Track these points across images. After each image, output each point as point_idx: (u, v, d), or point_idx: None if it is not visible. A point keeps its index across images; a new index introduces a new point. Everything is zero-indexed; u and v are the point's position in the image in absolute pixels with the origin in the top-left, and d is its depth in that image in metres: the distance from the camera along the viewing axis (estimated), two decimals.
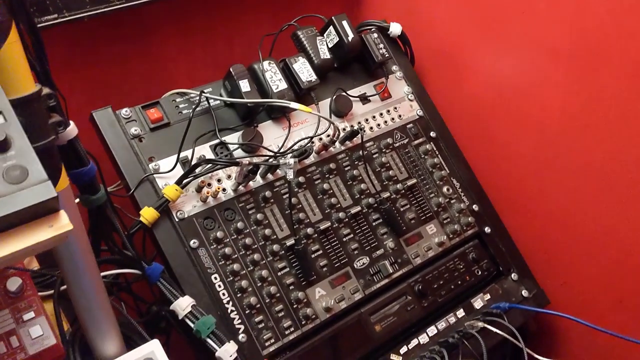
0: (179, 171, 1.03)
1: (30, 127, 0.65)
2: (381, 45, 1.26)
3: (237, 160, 1.03)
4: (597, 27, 1.07)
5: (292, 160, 1.02)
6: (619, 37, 1.04)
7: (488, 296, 1.19)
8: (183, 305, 0.94)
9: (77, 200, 0.90)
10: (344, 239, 1.12)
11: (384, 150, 1.22)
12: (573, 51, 1.12)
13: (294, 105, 1.07)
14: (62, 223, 0.59)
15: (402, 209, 1.19)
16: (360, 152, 1.18)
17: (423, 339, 1.11)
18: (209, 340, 0.93)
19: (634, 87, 1.04)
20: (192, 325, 0.93)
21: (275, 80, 1.11)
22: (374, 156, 1.21)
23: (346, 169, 1.17)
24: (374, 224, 1.15)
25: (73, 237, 0.75)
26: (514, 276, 1.23)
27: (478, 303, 1.18)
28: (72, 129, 0.80)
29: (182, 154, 1.04)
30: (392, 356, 1.08)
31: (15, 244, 0.57)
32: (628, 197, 1.10)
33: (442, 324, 1.14)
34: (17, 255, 0.57)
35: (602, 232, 1.16)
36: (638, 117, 1.05)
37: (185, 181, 1.01)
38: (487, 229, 1.25)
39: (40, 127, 0.69)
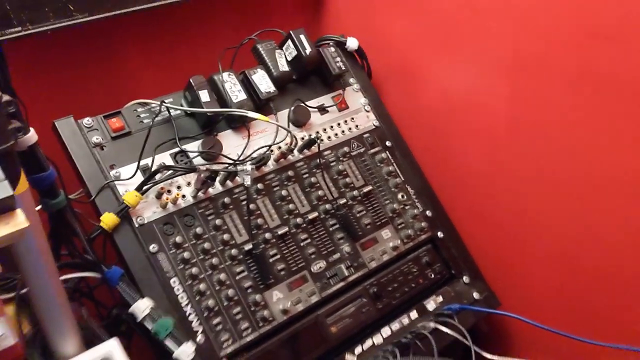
0: (140, 178, 1.06)
1: None
2: (338, 59, 1.31)
3: (195, 167, 1.07)
4: (538, 39, 1.14)
5: (249, 167, 1.07)
6: (562, 50, 1.11)
7: (440, 298, 1.24)
8: (142, 307, 0.97)
9: (39, 207, 0.93)
10: (302, 244, 1.16)
11: (341, 158, 1.27)
12: (517, 64, 1.18)
13: (252, 114, 1.11)
14: (18, 220, 0.63)
15: (358, 215, 1.24)
16: (318, 160, 1.23)
17: (377, 339, 1.15)
18: (167, 342, 0.96)
19: (574, 95, 1.11)
20: (150, 327, 0.96)
21: (235, 91, 1.16)
22: (332, 164, 1.25)
23: (304, 176, 1.21)
24: (330, 229, 1.20)
25: (32, 238, 0.78)
26: (465, 279, 1.29)
27: (431, 305, 1.23)
28: (31, 136, 0.83)
29: (143, 162, 1.07)
30: (347, 356, 1.11)
31: None
32: (575, 201, 1.16)
33: (395, 325, 1.18)
34: None
35: (551, 235, 1.22)
36: (580, 122, 1.11)
37: (145, 187, 1.04)
38: (440, 234, 1.31)
39: (0, 133, 0.72)
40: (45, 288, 0.81)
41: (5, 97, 0.74)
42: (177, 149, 1.12)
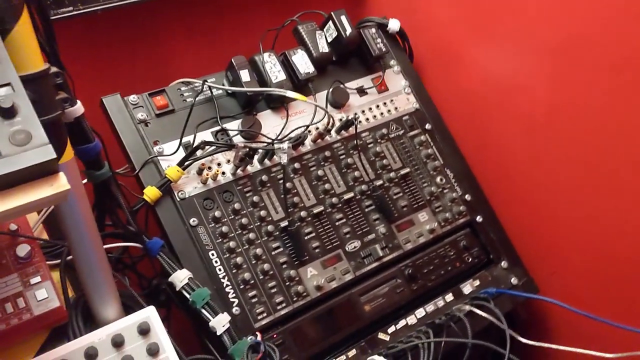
0: (182, 154, 1.09)
1: (38, 101, 0.72)
2: (379, 40, 1.31)
3: (234, 143, 1.09)
4: (582, 24, 1.11)
5: (286, 145, 1.09)
6: (603, 33, 1.08)
7: (477, 282, 1.23)
8: (180, 277, 1.00)
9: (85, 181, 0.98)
10: (337, 223, 1.17)
11: (379, 140, 1.27)
12: (560, 47, 1.16)
13: (291, 94, 1.13)
14: (61, 183, 0.66)
15: (394, 197, 1.24)
16: (355, 142, 1.23)
17: (411, 320, 1.16)
18: (204, 311, 0.99)
19: (617, 80, 1.08)
20: (188, 296, 1.00)
21: (275, 72, 1.18)
22: (369, 146, 1.26)
23: (341, 157, 1.22)
24: (366, 210, 1.21)
25: (77, 205, 0.82)
26: (503, 264, 1.27)
27: (467, 288, 1.22)
28: (78, 107, 0.87)
29: (185, 139, 1.11)
30: (380, 335, 1.12)
31: (18, 199, 0.63)
32: (616, 187, 1.14)
33: (430, 307, 1.18)
34: (20, 210, 0.64)
35: (591, 221, 1.19)
36: (623, 108, 1.08)
37: (186, 163, 1.08)
38: (479, 218, 1.29)
39: (48, 102, 0.76)
40: (89, 254, 0.85)
41: (54, 69, 0.78)
42: (217, 128, 1.15)
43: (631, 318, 1.05)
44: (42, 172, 0.66)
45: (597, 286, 1.20)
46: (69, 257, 0.97)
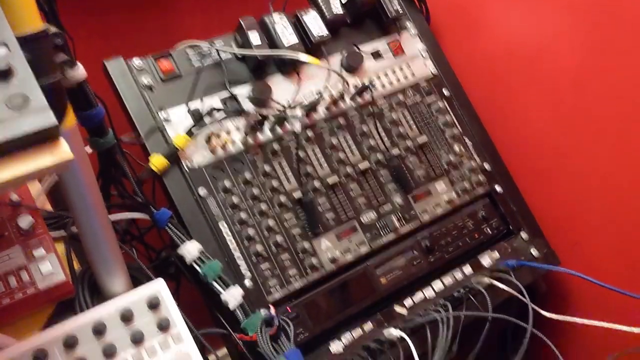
0: (189, 121, 1.04)
1: (36, 64, 0.67)
2: (395, 1, 1.25)
3: (245, 110, 1.04)
4: None
5: (299, 112, 1.03)
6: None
7: (496, 254, 1.19)
8: (190, 249, 0.96)
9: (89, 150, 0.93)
10: (351, 194, 1.13)
11: (395, 107, 1.22)
12: (589, 7, 1.10)
13: (303, 57, 1.07)
14: (62, 150, 0.61)
15: (411, 166, 1.19)
16: (371, 109, 1.18)
17: (428, 292, 1.12)
18: (215, 284, 0.96)
19: None
20: (199, 269, 0.96)
21: (286, 34, 1.12)
22: (385, 113, 1.20)
23: (355, 125, 1.17)
24: (382, 180, 1.16)
25: (80, 173, 0.77)
26: (524, 235, 1.23)
27: (486, 260, 1.18)
28: (80, 72, 0.82)
29: (193, 106, 1.06)
30: (397, 308, 1.09)
31: (15, 169, 0.59)
32: None
33: (448, 279, 1.14)
34: (18, 180, 0.59)
35: (617, 193, 1.15)
36: None
37: (194, 131, 1.03)
38: (499, 188, 1.24)
39: (47, 64, 0.71)
40: (94, 224, 0.81)
41: (53, 29, 0.73)
42: (226, 94, 1.09)
43: None
44: (42, 139, 0.61)
45: (621, 258, 1.16)
46: (74, 229, 0.94)
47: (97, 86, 0.89)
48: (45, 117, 0.60)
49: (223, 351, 1.04)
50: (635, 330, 0.99)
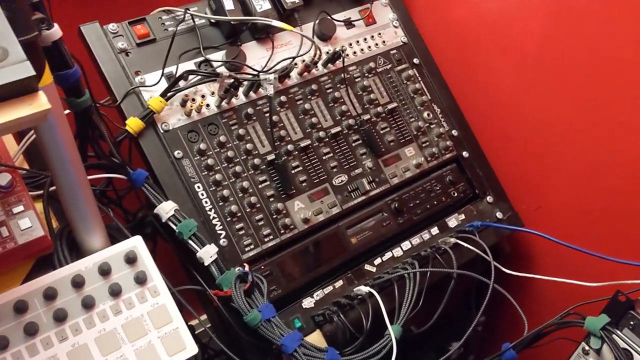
0: (164, 85, 1.06)
1: (13, 20, 0.69)
2: None
3: (219, 73, 1.07)
4: None
5: (272, 76, 1.06)
6: None
7: (463, 216, 1.24)
8: (166, 208, 0.99)
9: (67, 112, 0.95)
10: (324, 157, 1.16)
11: (366, 74, 1.25)
12: None
13: (276, 23, 1.10)
14: (41, 102, 0.64)
15: (381, 131, 1.23)
16: (342, 75, 1.21)
17: (397, 252, 1.17)
18: (191, 242, 0.99)
19: (612, 9, 1.06)
20: (174, 227, 0.99)
21: (259, 1, 1.14)
22: (356, 80, 1.24)
23: (328, 91, 1.20)
24: (353, 144, 1.20)
25: (57, 129, 0.79)
26: (489, 199, 1.28)
27: (452, 222, 1.23)
28: (56, 30, 0.83)
29: (167, 70, 1.08)
30: (367, 266, 1.13)
31: None
32: (603, 120, 1.14)
33: (416, 240, 1.19)
34: None
35: (577, 156, 1.20)
36: (617, 38, 1.07)
37: (169, 94, 1.05)
38: (465, 154, 1.29)
39: (23, 21, 0.72)
40: (72, 181, 0.83)
41: None
42: (201, 58, 1.11)
43: (614, 249, 1.07)
44: (21, 90, 0.63)
45: (581, 219, 1.22)
46: (52, 188, 0.96)
47: (73, 51, 0.91)
48: (23, 69, 0.62)
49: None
50: (590, 284, 1.05)
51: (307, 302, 1.07)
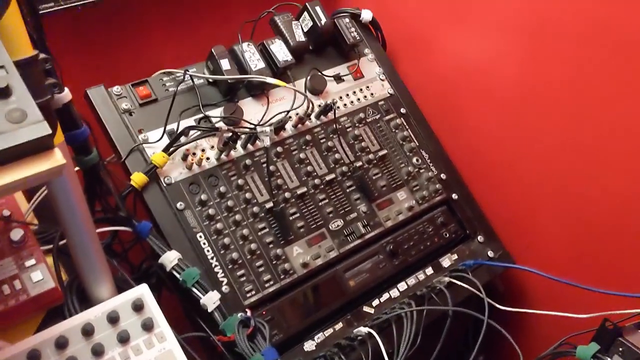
0: (166, 141, 1.13)
1: (29, 86, 0.75)
2: (353, 29, 1.37)
3: (218, 127, 1.13)
4: (549, 4, 1.18)
5: (268, 128, 1.13)
6: (563, 11, 1.14)
7: (455, 256, 1.29)
8: (170, 257, 1.03)
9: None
10: (320, 203, 1.22)
11: (357, 124, 1.32)
12: (527, 28, 1.23)
13: (270, 80, 1.18)
14: (57, 157, 0.69)
15: (374, 177, 1.29)
16: (335, 126, 1.28)
17: (394, 293, 1.20)
18: (194, 290, 1.03)
19: (579, 54, 1.14)
20: (178, 276, 1.03)
21: (254, 60, 1.22)
22: (348, 130, 1.31)
23: (321, 140, 1.27)
24: (347, 190, 1.25)
25: (69, 185, 0.85)
26: (480, 238, 1.33)
27: (446, 262, 1.28)
28: (66, 94, 0.90)
29: (169, 127, 1.14)
30: (365, 308, 1.17)
31: (17, 174, 0.67)
32: (585, 158, 1.20)
33: (411, 280, 1.23)
34: (19, 184, 0.67)
35: (562, 192, 1.26)
36: (589, 79, 1.15)
37: (171, 149, 1.11)
38: (455, 196, 1.35)
39: (38, 86, 0.79)
40: (82, 233, 0.88)
41: (42, 55, 0.82)
42: (200, 115, 1.18)
43: (603, 281, 1.11)
44: (39, 147, 0.69)
45: (570, 254, 1.26)
46: (62, 242, 1.00)
47: (79, 112, 0.97)
48: (41, 128, 0.68)
49: None
50: (581, 316, 1.09)
51: (309, 345, 1.10)
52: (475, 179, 1.38)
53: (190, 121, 1.17)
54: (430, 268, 1.26)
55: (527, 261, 1.32)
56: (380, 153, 1.31)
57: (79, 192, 0.88)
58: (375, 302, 1.18)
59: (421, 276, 1.24)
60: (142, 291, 0.94)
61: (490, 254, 1.32)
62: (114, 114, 1.13)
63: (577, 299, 1.14)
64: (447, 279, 1.21)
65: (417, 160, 1.35)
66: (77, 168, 1.00)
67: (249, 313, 1.04)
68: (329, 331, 1.13)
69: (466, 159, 1.39)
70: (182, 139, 1.13)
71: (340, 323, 1.14)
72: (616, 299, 1.05)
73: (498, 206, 1.36)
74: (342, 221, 1.22)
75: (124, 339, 0.89)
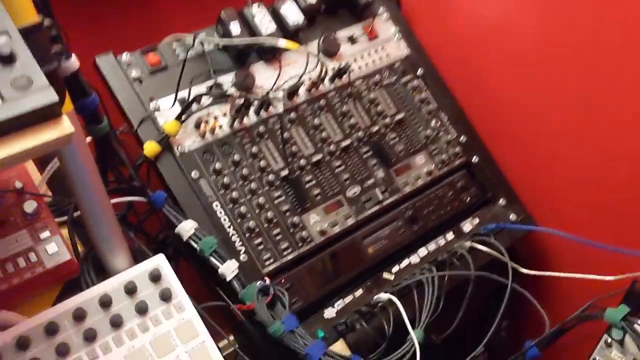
0: (178, 109, 1.10)
1: (34, 53, 0.73)
2: None
3: (230, 93, 1.10)
4: None
5: (280, 94, 1.10)
6: None
7: (477, 220, 1.26)
8: (187, 227, 1.02)
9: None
10: (336, 170, 1.19)
11: (372, 87, 1.28)
12: None
13: (281, 42, 1.14)
14: (65, 125, 0.67)
15: (391, 142, 1.26)
16: (349, 90, 1.25)
17: (414, 259, 1.18)
18: (212, 259, 1.01)
19: (600, 9, 1.10)
20: (195, 245, 1.01)
21: (265, 23, 1.18)
22: (363, 93, 1.27)
23: (336, 105, 1.24)
24: (364, 156, 1.22)
25: (80, 156, 0.83)
26: (501, 202, 1.30)
27: (467, 227, 1.25)
28: (74, 62, 0.88)
29: (180, 94, 1.11)
30: (385, 274, 1.15)
31: (24, 143, 0.65)
32: (610, 114, 1.16)
33: (432, 246, 1.21)
34: (27, 154, 0.65)
35: (585, 152, 1.22)
36: (610, 35, 1.10)
37: (183, 117, 1.09)
38: (475, 159, 1.32)
39: (44, 53, 0.76)
40: (95, 203, 0.86)
41: (47, 21, 0.79)
42: (212, 82, 1.15)
43: (630, 242, 1.08)
44: (46, 115, 0.67)
45: (594, 214, 1.23)
46: (77, 213, 0.99)
47: (88, 81, 0.95)
48: (47, 95, 0.66)
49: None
50: (607, 278, 1.06)
51: (329, 312, 1.09)
52: (496, 141, 1.34)
53: (202, 88, 1.14)
54: (450, 233, 1.23)
55: (551, 223, 1.28)
56: (398, 117, 1.27)
57: (91, 162, 0.86)
58: (395, 269, 1.16)
59: (441, 241, 1.22)
60: (159, 261, 0.92)
61: (512, 217, 1.29)
62: (124, 82, 1.10)
63: (603, 261, 1.11)
64: (468, 244, 1.18)
65: (436, 122, 1.31)
66: (89, 138, 0.99)
67: (267, 281, 1.03)
68: (349, 298, 1.11)
69: (486, 121, 1.35)
70: (194, 107, 1.10)
71: (360, 290, 1.13)
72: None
73: (519, 168, 1.33)
74: (359, 188, 1.20)
75: (142, 309, 0.88)
